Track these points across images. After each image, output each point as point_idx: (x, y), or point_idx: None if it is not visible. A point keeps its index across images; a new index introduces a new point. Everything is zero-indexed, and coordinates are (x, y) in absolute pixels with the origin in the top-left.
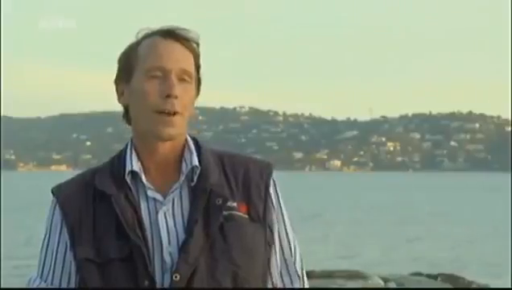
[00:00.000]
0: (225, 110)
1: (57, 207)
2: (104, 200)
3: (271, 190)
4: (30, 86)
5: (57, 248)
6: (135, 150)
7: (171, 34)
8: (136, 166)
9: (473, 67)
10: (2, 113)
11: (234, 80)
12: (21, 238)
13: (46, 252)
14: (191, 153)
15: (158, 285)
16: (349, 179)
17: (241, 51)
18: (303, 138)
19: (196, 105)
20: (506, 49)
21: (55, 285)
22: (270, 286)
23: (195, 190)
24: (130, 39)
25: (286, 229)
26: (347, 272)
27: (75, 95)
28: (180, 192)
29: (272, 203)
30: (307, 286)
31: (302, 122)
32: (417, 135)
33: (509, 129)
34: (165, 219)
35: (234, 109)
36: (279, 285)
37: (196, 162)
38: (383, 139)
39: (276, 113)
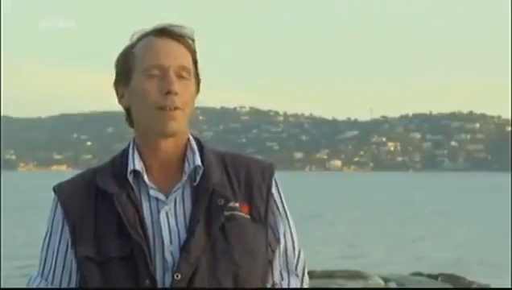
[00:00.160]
0: (225, 110)
1: (59, 205)
2: (106, 199)
3: (273, 191)
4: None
5: (58, 247)
6: (137, 149)
7: (165, 32)
8: (138, 165)
9: (474, 67)
10: (2, 113)
11: (235, 80)
12: (21, 238)
13: (47, 251)
14: (193, 153)
15: (159, 284)
16: (350, 179)
17: (241, 51)
18: (304, 138)
19: (196, 105)
20: (507, 49)
21: (56, 284)
22: (270, 286)
23: (197, 190)
24: (130, 39)
25: (290, 230)
26: (347, 272)
27: (75, 95)
28: (183, 192)
29: (275, 203)
30: (307, 286)
31: (302, 122)
32: (417, 135)
33: (510, 129)
34: (167, 218)
35: (235, 109)
36: (279, 285)
37: (198, 162)
38: (384, 139)
39: (276, 113)
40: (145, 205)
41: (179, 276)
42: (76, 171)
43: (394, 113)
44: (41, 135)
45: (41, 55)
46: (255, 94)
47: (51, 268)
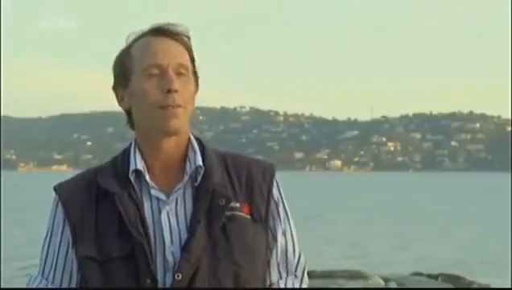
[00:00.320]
0: (225, 110)
1: (59, 205)
2: (107, 199)
3: (274, 191)
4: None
5: (59, 246)
6: (139, 149)
7: (161, 31)
8: (140, 165)
9: (474, 67)
10: (2, 113)
11: (235, 80)
12: (21, 238)
13: (47, 250)
14: (195, 153)
15: (160, 284)
16: (350, 179)
17: (241, 51)
18: (304, 138)
19: (196, 105)
20: (507, 49)
21: (56, 284)
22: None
23: (198, 190)
24: (126, 41)
25: (291, 231)
26: (348, 272)
27: (75, 95)
28: (184, 192)
29: (275, 204)
30: (305, 286)
31: (302, 121)
32: (418, 135)
33: (510, 129)
34: (168, 218)
35: (235, 109)
36: (277, 285)
37: (200, 162)
38: (384, 139)
39: (277, 113)
40: (146, 205)
41: (180, 276)
42: (77, 171)
43: (394, 113)
44: (41, 135)
45: (41, 55)
46: (255, 94)
47: (51, 268)
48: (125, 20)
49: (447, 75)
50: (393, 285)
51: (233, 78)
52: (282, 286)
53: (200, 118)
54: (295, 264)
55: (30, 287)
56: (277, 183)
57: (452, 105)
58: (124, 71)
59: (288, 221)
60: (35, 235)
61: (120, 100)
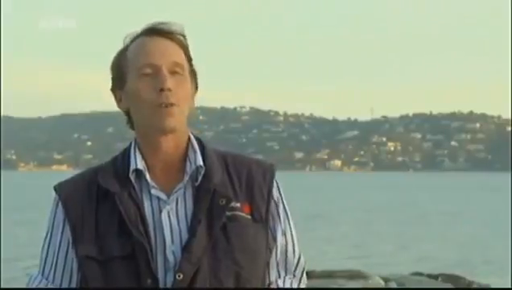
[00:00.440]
0: (225, 110)
1: (60, 204)
2: (107, 199)
3: (274, 192)
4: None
5: (59, 246)
6: (139, 149)
7: (154, 30)
8: (140, 164)
9: (474, 67)
10: (2, 113)
11: (235, 80)
12: (21, 237)
13: (48, 250)
14: (195, 152)
15: (161, 284)
16: (350, 179)
17: (241, 51)
18: (304, 138)
19: (196, 105)
20: (507, 49)
21: (57, 283)
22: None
23: (199, 190)
24: (123, 42)
25: (291, 231)
26: (348, 272)
27: (75, 95)
28: (184, 192)
29: (275, 205)
30: (304, 286)
31: (302, 121)
32: (418, 135)
33: (510, 129)
34: (168, 218)
35: (235, 109)
36: (275, 284)
37: (200, 162)
38: (384, 139)
39: (277, 113)
40: (146, 204)
41: (181, 276)
42: (77, 171)
43: (394, 113)
44: (41, 135)
45: (41, 55)
46: (255, 94)
47: (51, 268)
48: (125, 20)
49: (447, 75)
50: (393, 285)
51: (233, 78)
52: (280, 285)
53: (200, 117)
54: (294, 264)
55: (30, 287)
56: (277, 183)
57: (452, 105)
58: (120, 72)
59: (288, 221)
60: (36, 235)
61: (118, 101)
